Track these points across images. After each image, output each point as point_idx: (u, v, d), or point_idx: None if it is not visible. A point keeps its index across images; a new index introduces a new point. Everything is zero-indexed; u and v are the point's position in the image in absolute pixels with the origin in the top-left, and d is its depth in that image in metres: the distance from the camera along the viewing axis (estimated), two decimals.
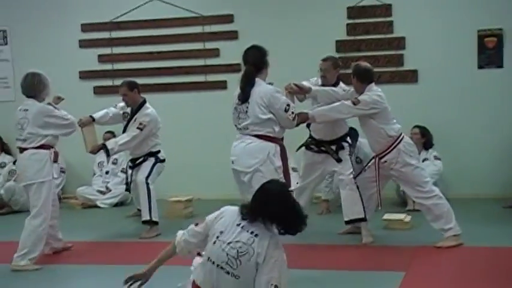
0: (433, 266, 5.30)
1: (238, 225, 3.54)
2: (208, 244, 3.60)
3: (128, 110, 6.99)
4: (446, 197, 6.53)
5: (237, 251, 3.48)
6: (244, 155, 5.08)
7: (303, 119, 5.86)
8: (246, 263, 3.47)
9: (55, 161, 5.89)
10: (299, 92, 6.04)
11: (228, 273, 3.49)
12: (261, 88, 5.11)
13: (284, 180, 5.25)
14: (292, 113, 5.18)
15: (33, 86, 5.87)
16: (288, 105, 5.16)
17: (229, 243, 3.50)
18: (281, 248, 3.58)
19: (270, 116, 5.10)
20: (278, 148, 5.14)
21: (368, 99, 5.88)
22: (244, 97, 5.11)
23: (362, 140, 6.92)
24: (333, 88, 6.30)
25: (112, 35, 9.35)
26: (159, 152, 7.01)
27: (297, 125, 5.88)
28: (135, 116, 6.87)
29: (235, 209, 3.65)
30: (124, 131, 6.93)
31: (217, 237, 3.55)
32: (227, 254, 3.49)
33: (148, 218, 6.77)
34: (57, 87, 8.71)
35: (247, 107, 5.09)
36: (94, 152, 6.75)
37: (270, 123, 5.11)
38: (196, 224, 3.69)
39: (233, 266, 3.48)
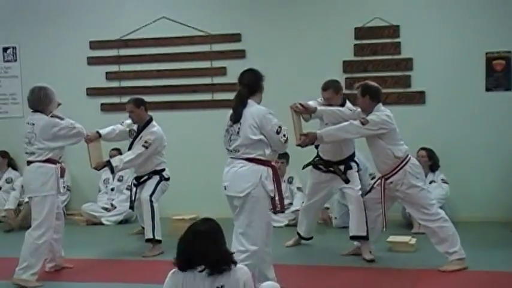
0: None
1: None
2: None
3: (135, 127, 6.99)
4: (453, 220, 6.47)
5: None
6: (236, 180, 5.01)
7: (311, 139, 5.85)
8: None
9: (61, 176, 5.87)
10: (304, 111, 6.02)
11: None
12: (253, 109, 5.06)
13: (279, 203, 5.26)
14: (284, 135, 5.07)
15: (40, 100, 5.87)
16: (280, 127, 5.06)
17: None
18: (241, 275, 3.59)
19: (261, 137, 5.01)
20: (270, 171, 5.07)
21: (377, 119, 5.85)
22: (236, 117, 5.06)
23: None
24: (339, 108, 6.28)
25: (120, 52, 9.40)
26: (163, 170, 7.00)
27: (306, 145, 5.89)
28: (141, 134, 6.87)
29: (179, 276, 3.60)
30: (130, 148, 6.92)
31: None
32: None
33: (151, 236, 6.75)
34: (64, 103, 8.78)
35: (239, 128, 5.03)
36: (98, 168, 6.73)
37: (261, 145, 5.02)
38: None
39: None
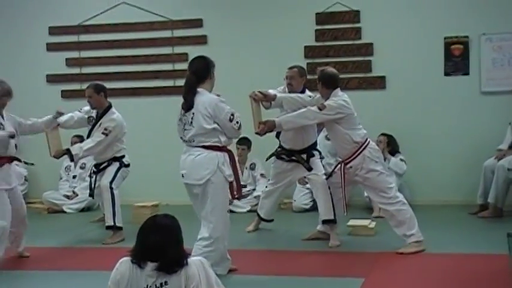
0: (393, 272, 5.31)
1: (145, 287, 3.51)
2: None
3: (93, 114, 6.92)
4: (413, 203, 6.57)
5: None
6: (194, 168, 5.03)
7: (270, 126, 5.89)
8: None
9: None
10: (263, 99, 6.04)
11: None
12: (204, 98, 5.05)
13: (235, 188, 5.28)
14: (237, 122, 5.09)
15: None
16: (233, 114, 5.07)
17: None
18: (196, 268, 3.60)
19: (215, 126, 5.03)
20: (227, 157, 5.12)
21: (334, 104, 5.89)
22: (187, 106, 5.05)
23: None
24: (299, 95, 6.32)
25: (80, 38, 9.29)
26: (123, 156, 6.95)
27: (265, 133, 5.93)
28: (101, 121, 6.81)
29: (125, 267, 3.57)
30: (89, 135, 6.86)
31: None
32: None
33: (111, 223, 6.72)
34: (24, 90, 8.75)
35: (192, 118, 5.03)
36: (57, 156, 6.66)
37: (215, 133, 5.04)
38: None
39: None
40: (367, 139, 6.06)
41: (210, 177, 4.99)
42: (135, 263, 3.52)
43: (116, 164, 6.87)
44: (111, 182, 6.74)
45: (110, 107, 6.89)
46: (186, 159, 5.11)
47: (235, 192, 5.26)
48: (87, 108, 6.95)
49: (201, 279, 3.58)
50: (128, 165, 6.96)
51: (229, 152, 5.17)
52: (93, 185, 6.98)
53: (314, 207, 7.40)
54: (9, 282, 5.45)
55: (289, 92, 6.44)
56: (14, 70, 8.39)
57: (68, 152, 6.62)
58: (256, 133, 5.91)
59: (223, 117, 5.04)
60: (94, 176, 6.98)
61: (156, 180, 8.89)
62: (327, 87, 6.02)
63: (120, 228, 6.74)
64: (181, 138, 5.18)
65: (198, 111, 5.01)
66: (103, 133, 6.69)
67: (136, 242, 3.57)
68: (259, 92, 5.97)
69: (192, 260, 3.62)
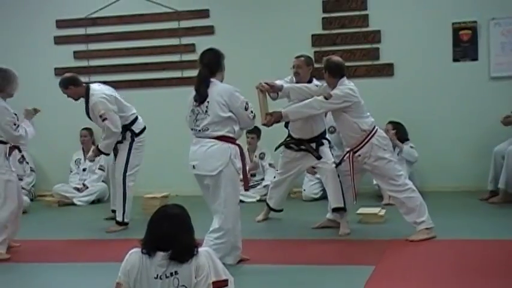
0: (403, 260, 5.31)
1: (156, 277, 3.50)
2: None
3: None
4: (423, 190, 6.53)
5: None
6: (206, 159, 5.06)
7: (276, 118, 5.90)
8: None
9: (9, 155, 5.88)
10: (270, 90, 6.04)
11: None
12: (219, 87, 5.11)
13: (243, 181, 5.35)
14: (252, 111, 5.17)
15: None
16: (247, 103, 5.15)
17: None
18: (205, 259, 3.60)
19: (230, 114, 5.08)
20: (238, 149, 5.16)
21: (340, 93, 5.88)
22: (201, 97, 5.09)
23: None
24: (306, 84, 6.32)
25: (87, 31, 9.29)
26: (134, 122, 6.86)
27: (272, 124, 5.92)
28: (90, 107, 6.67)
29: (135, 257, 3.58)
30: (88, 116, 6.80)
31: None
32: None
33: (120, 219, 6.84)
34: (33, 84, 8.78)
35: (206, 107, 5.06)
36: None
37: (230, 122, 5.09)
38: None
39: None
40: (374, 127, 6.04)
41: (222, 169, 5.03)
42: (145, 254, 3.54)
43: (126, 144, 6.81)
44: (124, 174, 6.75)
45: (88, 89, 6.73)
46: (197, 150, 5.13)
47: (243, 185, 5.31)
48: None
49: (210, 270, 3.59)
50: (140, 133, 6.88)
51: (239, 146, 5.22)
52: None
53: (324, 196, 7.41)
54: (21, 274, 5.50)
55: (297, 81, 6.44)
56: (23, 64, 8.38)
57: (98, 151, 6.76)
58: (264, 124, 5.91)
59: (239, 105, 5.10)
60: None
61: (166, 171, 8.91)
62: (333, 76, 6.00)
63: (126, 224, 6.86)
64: (192, 129, 5.19)
65: (214, 100, 5.05)
66: (103, 120, 6.58)
67: (147, 233, 3.59)
68: (265, 83, 5.97)
69: (201, 250, 3.63)
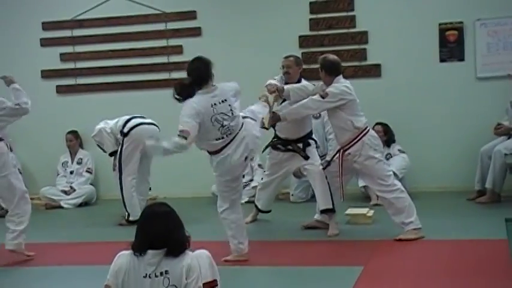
0: (392, 260, 5.32)
1: (145, 276, 3.48)
2: None
3: None
4: (411, 191, 6.53)
5: None
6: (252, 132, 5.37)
7: (276, 120, 5.95)
8: None
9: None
10: (281, 91, 6.05)
11: None
12: (225, 86, 5.29)
13: None
14: None
15: None
16: None
17: None
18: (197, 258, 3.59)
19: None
20: None
21: (335, 91, 5.92)
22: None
23: None
24: (304, 84, 6.35)
25: (74, 33, 9.25)
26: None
27: (270, 126, 5.93)
28: None
29: (123, 259, 3.56)
30: None
31: None
32: None
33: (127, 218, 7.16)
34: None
35: (229, 105, 5.19)
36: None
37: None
38: None
39: None
40: (367, 127, 6.07)
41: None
42: (136, 255, 3.51)
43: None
44: (120, 176, 7.09)
45: None
46: (240, 142, 5.25)
47: None
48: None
49: (201, 271, 3.56)
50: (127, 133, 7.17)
51: None
52: None
53: (312, 197, 7.41)
54: (9, 279, 5.46)
55: (286, 81, 6.43)
56: (9, 67, 8.31)
57: None
58: (263, 127, 5.84)
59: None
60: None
61: (153, 173, 8.85)
62: (329, 74, 6.04)
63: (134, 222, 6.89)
64: (221, 138, 5.20)
65: (229, 99, 5.23)
66: None
67: (139, 234, 3.57)
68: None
69: (194, 253, 3.61)
